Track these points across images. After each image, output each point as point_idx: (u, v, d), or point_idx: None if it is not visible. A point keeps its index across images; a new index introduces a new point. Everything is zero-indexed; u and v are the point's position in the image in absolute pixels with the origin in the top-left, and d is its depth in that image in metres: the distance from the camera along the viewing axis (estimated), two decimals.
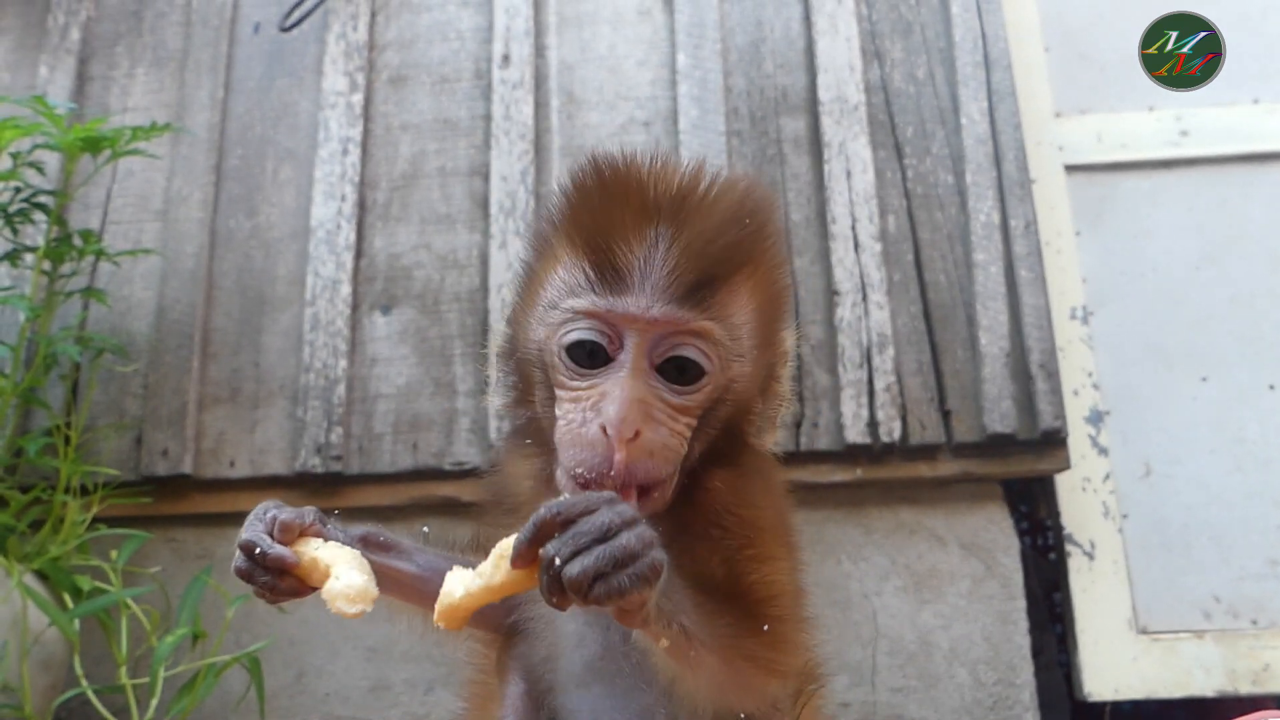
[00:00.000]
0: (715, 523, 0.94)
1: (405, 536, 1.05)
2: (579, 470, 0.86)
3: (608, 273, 0.88)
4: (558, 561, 0.71)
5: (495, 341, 1.06)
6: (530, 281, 1.00)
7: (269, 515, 0.93)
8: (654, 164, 0.93)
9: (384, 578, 0.91)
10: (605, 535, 0.72)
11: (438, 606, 0.80)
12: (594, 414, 0.86)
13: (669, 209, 0.89)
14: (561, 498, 0.75)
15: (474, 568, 0.86)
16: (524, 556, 0.74)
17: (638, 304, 0.87)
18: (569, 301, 0.90)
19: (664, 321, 0.87)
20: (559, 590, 0.72)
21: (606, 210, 0.90)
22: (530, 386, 0.97)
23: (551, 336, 0.91)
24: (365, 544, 0.98)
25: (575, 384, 0.89)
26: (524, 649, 1.07)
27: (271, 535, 0.91)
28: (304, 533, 0.93)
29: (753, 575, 0.92)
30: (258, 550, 0.90)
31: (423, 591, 1.01)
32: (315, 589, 0.90)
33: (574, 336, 0.89)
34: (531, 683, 1.06)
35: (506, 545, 0.77)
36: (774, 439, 1.03)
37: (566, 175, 0.96)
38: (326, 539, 0.93)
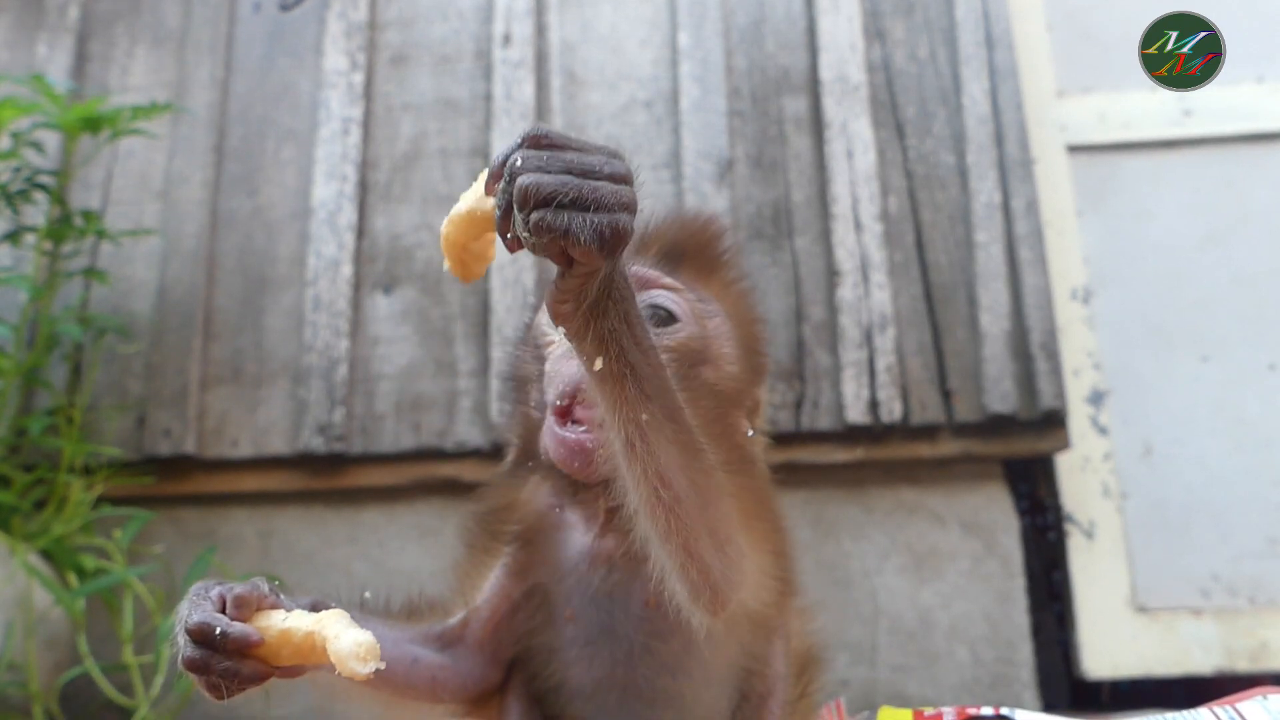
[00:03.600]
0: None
1: (352, 606, 0.95)
2: (560, 400, 0.87)
3: None
4: (518, 163, 0.66)
5: (502, 368, 1.07)
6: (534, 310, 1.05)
7: (214, 593, 0.83)
8: None
9: None
10: (583, 172, 0.66)
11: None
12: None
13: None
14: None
15: (417, 639, 0.91)
16: (495, 175, 0.69)
17: None
18: None
19: (638, 277, 0.93)
20: (508, 204, 0.66)
21: None
22: (527, 392, 0.98)
23: (543, 310, 0.94)
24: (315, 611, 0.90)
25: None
26: (526, 675, 1.04)
27: (225, 613, 0.81)
28: (260, 607, 0.83)
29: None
30: (217, 631, 0.78)
31: None
32: (280, 669, 0.81)
33: None
34: (535, 705, 1.03)
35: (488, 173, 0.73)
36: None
37: None
38: (288, 610, 0.84)
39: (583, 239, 0.64)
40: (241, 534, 2.22)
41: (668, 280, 0.95)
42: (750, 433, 0.99)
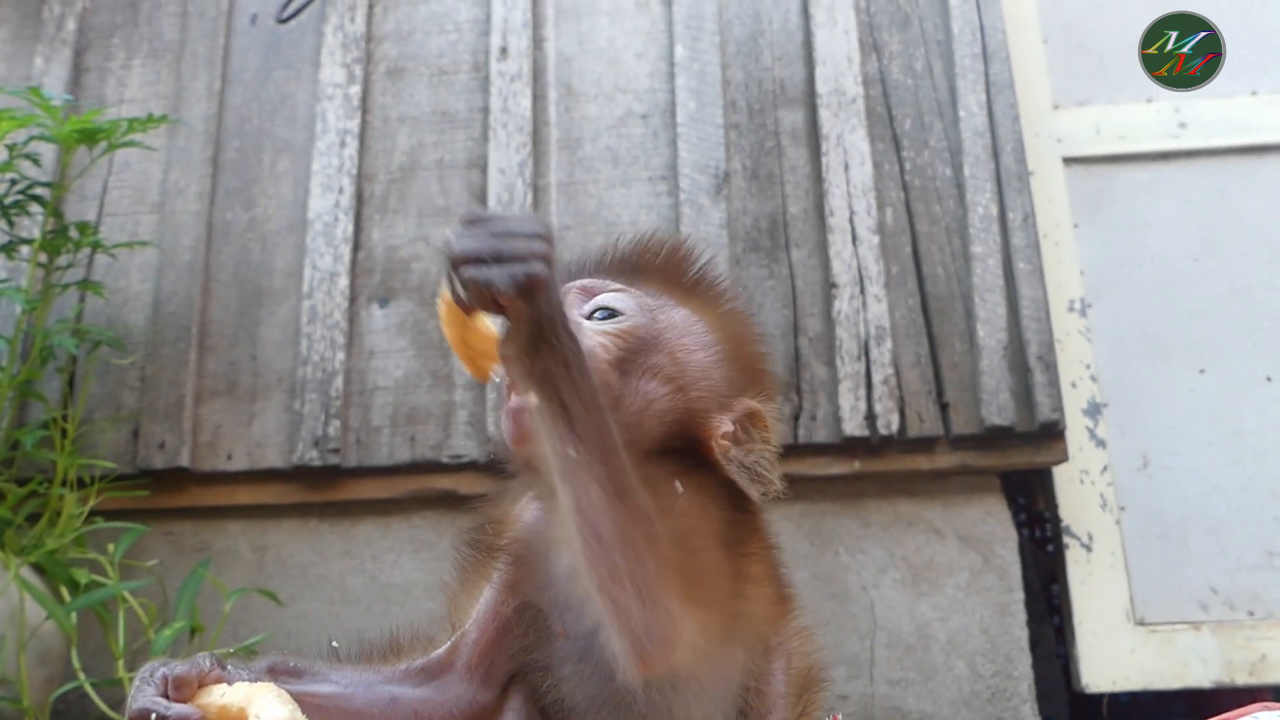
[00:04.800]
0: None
1: (316, 658, 0.99)
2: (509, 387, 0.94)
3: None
4: (451, 238, 0.78)
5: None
6: None
7: (158, 675, 0.87)
8: None
9: (303, 706, 0.86)
10: (503, 234, 0.78)
11: None
12: None
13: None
14: None
15: (395, 678, 0.94)
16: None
17: (572, 282, 1.02)
18: None
19: (586, 288, 1.00)
20: (449, 272, 0.79)
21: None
22: None
23: None
24: (273, 674, 0.94)
25: None
26: (525, 692, 1.03)
27: (167, 696, 0.86)
28: (203, 683, 0.87)
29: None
30: (153, 717, 0.84)
31: (346, 711, 0.97)
32: None
33: None
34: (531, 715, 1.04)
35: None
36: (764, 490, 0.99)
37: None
38: (230, 683, 0.87)
39: (501, 286, 0.76)
40: (236, 547, 2.21)
41: (615, 284, 1.00)
42: (726, 435, 0.97)
